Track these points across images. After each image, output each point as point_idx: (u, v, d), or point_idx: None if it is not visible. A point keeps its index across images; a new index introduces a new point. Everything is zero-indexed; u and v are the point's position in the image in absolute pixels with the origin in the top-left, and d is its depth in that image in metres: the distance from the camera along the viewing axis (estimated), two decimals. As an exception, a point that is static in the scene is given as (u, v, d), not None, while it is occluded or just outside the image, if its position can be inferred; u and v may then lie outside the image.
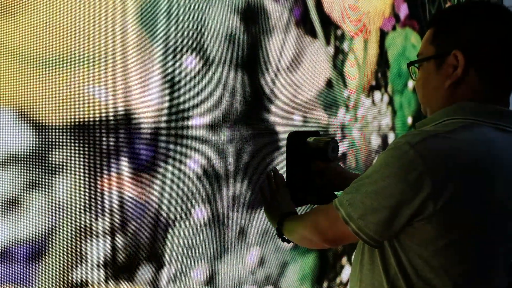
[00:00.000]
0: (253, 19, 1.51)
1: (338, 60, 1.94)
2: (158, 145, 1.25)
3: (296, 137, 1.09)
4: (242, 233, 1.51)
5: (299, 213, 0.98)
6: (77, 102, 1.07)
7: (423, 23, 2.53)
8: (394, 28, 2.32)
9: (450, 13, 0.82)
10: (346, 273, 2.01)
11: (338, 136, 1.94)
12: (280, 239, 0.98)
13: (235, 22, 1.44)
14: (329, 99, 1.89)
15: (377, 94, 2.20)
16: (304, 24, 1.74)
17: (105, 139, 1.13)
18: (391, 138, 2.32)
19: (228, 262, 1.46)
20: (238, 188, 1.48)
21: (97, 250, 1.12)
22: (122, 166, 1.17)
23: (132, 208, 1.19)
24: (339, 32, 1.94)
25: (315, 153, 1.07)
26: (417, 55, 0.85)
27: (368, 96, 2.14)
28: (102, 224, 1.13)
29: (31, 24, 0.99)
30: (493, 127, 0.75)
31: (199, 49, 1.34)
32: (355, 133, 2.05)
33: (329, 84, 1.88)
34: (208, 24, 1.36)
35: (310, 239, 0.88)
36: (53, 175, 1.04)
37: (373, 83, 2.18)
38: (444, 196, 0.68)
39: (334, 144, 1.07)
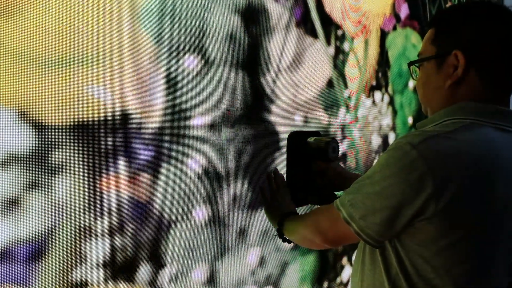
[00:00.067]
0: (254, 19, 1.51)
1: (338, 60, 1.94)
2: (158, 145, 1.25)
3: (296, 137, 1.09)
4: (243, 233, 1.51)
5: (299, 214, 0.98)
6: (77, 102, 1.07)
7: (424, 23, 2.53)
8: (394, 28, 2.32)
9: (451, 13, 0.82)
10: (346, 273, 2.01)
11: (339, 136, 1.94)
12: (280, 239, 0.98)
13: (235, 22, 1.44)
14: (330, 99, 1.89)
15: (377, 94, 2.20)
16: (304, 24, 1.74)
17: (105, 139, 1.13)
18: (391, 138, 2.32)
19: (229, 262, 1.46)
20: (238, 188, 1.48)
21: (98, 250, 1.12)
22: (123, 166, 1.17)
23: (133, 208, 1.20)
24: (339, 32, 1.93)
25: (315, 153, 1.07)
26: (418, 55, 0.85)
27: (368, 96, 2.14)
28: (102, 224, 1.13)
29: (31, 24, 0.99)
30: (493, 127, 0.75)
31: (199, 49, 1.34)
32: (356, 133, 2.05)
33: (329, 84, 1.88)
34: (209, 24, 1.36)
35: (311, 240, 0.88)
36: (54, 175, 1.04)
37: (374, 83, 2.18)
38: (446, 196, 0.68)
39: (334, 144, 1.07)
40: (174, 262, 1.29)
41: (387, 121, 2.28)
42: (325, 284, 1.89)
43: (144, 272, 1.22)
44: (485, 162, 0.72)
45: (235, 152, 1.46)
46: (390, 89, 2.30)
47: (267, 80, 1.57)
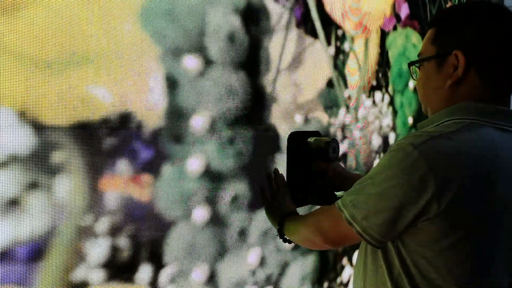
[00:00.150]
0: (254, 19, 1.51)
1: (339, 60, 1.94)
2: (159, 145, 1.25)
3: (296, 137, 1.09)
4: (243, 233, 1.51)
5: (300, 214, 0.98)
6: (77, 102, 1.07)
7: (424, 23, 2.53)
8: (395, 28, 2.32)
9: (451, 13, 0.82)
10: (346, 274, 2.01)
11: (339, 136, 1.94)
12: (281, 239, 0.98)
13: (236, 22, 1.44)
14: (330, 99, 1.89)
15: (378, 94, 2.20)
16: (304, 24, 1.74)
17: (106, 139, 1.13)
18: (391, 138, 2.32)
19: (229, 262, 1.46)
20: (238, 188, 1.48)
21: (98, 250, 1.12)
22: (123, 166, 1.17)
23: (133, 208, 1.20)
24: (339, 32, 1.93)
25: (316, 153, 1.07)
26: (418, 55, 0.85)
27: (369, 96, 2.14)
28: (102, 225, 1.13)
29: (31, 24, 0.99)
30: (494, 127, 0.75)
31: (200, 49, 1.34)
32: (356, 133, 2.05)
33: (329, 84, 1.88)
34: (209, 24, 1.36)
35: (312, 240, 0.88)
36: (53, 175, 1.04)
37: (374, 83, 2.18)
38: (448, 196, 0.68)
39: (334, 144, 1.07)
40: (174, 262, 1.29)
41: (387, 121, 2.28)
42: (325, 284, 1.89)
43: (145, 272, 1.22)
44: (485, 162, 0.72)
45: (235, 152, 1.46)
46: (390, 89, 2.30)
47: (267, 80, 1.57)
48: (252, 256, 1.54)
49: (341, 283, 1.98)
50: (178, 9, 1.27)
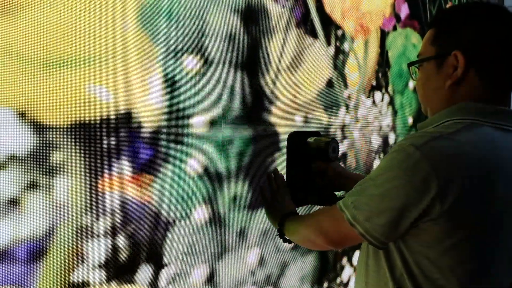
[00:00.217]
0: (254, 19, 1.51)
1: (338, 60, 1.94)
2: (158, 145, 1.25)
3: (296, 137, 1.09)
4: (243, 233, 1.51)
5: (299, 214, 0.98)
6: (77, 102, 1.07)
7: (424, 23, 2.53)
8: (394, 28, 2.32)
9: (451, 13, 0.82)
10: (346, 274, 2.01)
11: (339, 136, 1.94)
12: (281, 239, 0.98)
13: (235, 22, 1.44)
14: (330, 99, 1.89)
15: (377, 94, 2.20)
16: (304, 24, 1.74)
17: (105, 139, 1.13)
18: (391, 138, 2.32)
19: (229, 262, 1.46)
20: (238, 188, 1.48)
21: (98, 250, 1.12)
22: (123, 166, 1.17)
23: (133, 208, 1.20)
24: (339, 32, 1.93)
25: (315, 153, 1.07)
26: (417, 56, 0.85)
27: (368, 96, 2.14)
28: (102, 225, 1.13)
29: (31, 24, 0.99)
30: (494, 127, 0.76)
31: (199, 49, 1.34)
32: (356, 133, 2.05)
33: (329, 84, 1.88)
34: (209, 24, 1.36)
35: (313, 241, 0.88)
36: (53, 175, 1.04)
37: (374, 83, 2.18)
38: (450, 196, 0.68)
39: (334, 144, 1.07)
40: (174, 262, 1.29)
41: (387, 121, 2.28)
42: (325, 284, 1.89)
43: (144, 272, 1.22)
44: (486, 162, 0.72)
45: (235, 152, 1.46)
46: (390, 89, 2.30)
47: (267, 80, 1.57)
48: (252, 256, 1.54)
49: (341, 283, 1.98)
50: (178, 9, 1.27)
